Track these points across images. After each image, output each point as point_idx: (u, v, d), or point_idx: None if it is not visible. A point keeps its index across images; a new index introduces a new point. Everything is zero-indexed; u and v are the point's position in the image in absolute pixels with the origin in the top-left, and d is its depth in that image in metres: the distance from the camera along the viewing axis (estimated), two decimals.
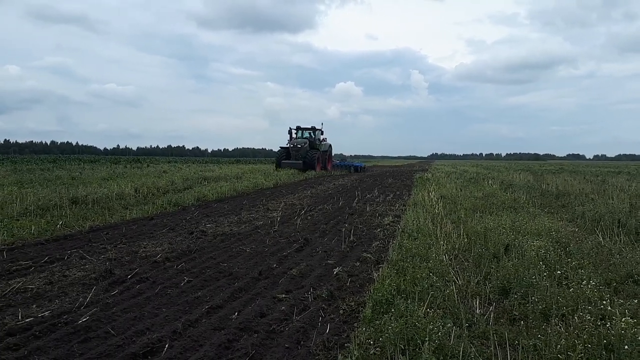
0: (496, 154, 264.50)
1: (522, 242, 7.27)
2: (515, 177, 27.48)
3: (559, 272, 5.71)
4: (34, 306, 5.01)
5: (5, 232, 8.52)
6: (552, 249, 6.84)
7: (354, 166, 41.69)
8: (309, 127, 37.60)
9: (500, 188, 18.58)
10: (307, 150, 34.75)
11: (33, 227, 9.07)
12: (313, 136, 36.96)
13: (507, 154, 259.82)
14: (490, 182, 21.97)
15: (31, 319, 4.59)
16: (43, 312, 4.79)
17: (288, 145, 35.55)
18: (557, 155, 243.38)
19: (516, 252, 6.76)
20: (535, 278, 5.42)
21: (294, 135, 36.88)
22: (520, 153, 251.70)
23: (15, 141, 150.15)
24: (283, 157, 35.27)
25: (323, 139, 37.94)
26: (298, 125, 37.56)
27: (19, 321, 4.53)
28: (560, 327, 4.18)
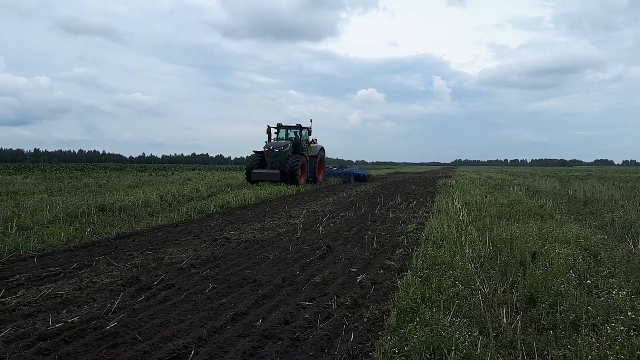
0: (521, 160, 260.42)
1: (550, 250, 7.12)
2: (541, 183, 27.00)
3: (588, 281, 5.58)
4: (64, 312, 5.12)
5: (36, 239, 8.74)
6: (581, 258, 6.69)
7: (355, 175, 33.79)
8: (294, 125, 28.37)
9: (526, 195, 18.26)
10: (288, 156, 25.70)
11: (62, 234, 9.29)
12: (299, 137, 27.76)
13: (532, 160, 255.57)
14: (515, 189, 21.60)
15: (61, 324, 4.69)
16: (73, 318, 4.89)
17: (264, 150, 26.23)
18: (584, 161, 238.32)
19: (544, 260, 6.63)
20: (564, 287, 5.30)
21: (274, 137, 27.76)
22: (546, 159, 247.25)
23: (45, 150, 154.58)
24: (256, 165, 25.95)
25: (313, 140, 29.13)
26: (279, 123, 28.29)
27: (49, 326, 4.63)
28: (591, 338, 4.07)
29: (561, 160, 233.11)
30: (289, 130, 28.39)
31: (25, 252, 7.94)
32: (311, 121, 29.49)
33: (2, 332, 4.43)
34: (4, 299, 5.46)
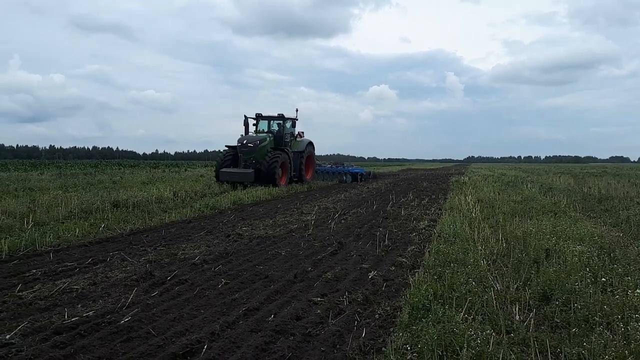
0: (535, 157, 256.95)
1: (564, 248, 7.06)
2: (555, 180, 26.74)
3: (603, 279, 5.52)
4: (79, 306, 5.19)
5: (52, 234, 8.87)
6: (595, 255, 6.62)
7: (351, 173, 28.63)
8: (276, 115, 23.74)
9: (539, 192, 18.10)
10: (265, 152, 21.30)
11: (77, 230, 9.40)
12: (281, 129, 23.54)
13: (546, 156, 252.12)
14: (529, 185, 21.42)
15: (76, 318, 4.77)
16: (87, 312, 4.96)
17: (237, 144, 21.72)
18: (599, 157, 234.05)
19: (557, 257, 6.57)
20: (578, 284, 5.26)
21: (251, 129, 23.17)
22: (560, 156, 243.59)
23: (60, 147, 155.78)
24: (227, 162, 21.54)
25: (299, 133, 25.12)
26: (259, 112, 23.73)
27: (65, 320, 4.71)
28: (606, 336, 4.02)
29: (575, 156, 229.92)
30: (272, 122, 23.97)
31: (41, 247, 8.06)
32: (297, 110, 24.99)
33: (19, 325, 4.51)
34: (20, 293, 5.56)
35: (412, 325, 4.37)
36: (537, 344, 4.00)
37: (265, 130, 23.66)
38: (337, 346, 4.28)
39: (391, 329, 4.56)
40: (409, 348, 3.95)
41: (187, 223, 11.21)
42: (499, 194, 16.67)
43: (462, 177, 31.85)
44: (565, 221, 9.86)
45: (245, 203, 15.67)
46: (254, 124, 23.59)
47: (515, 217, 10.62)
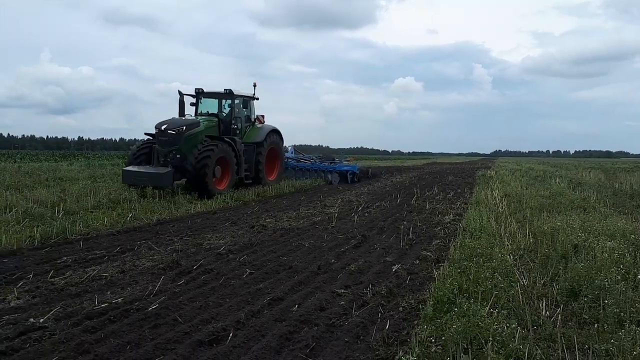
0: (564, 151, 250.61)
1: (593, 243, 6.90)
2: (584, 175, 26.10)
3: (637, 276, 5.38)
4: (108, 293, 5.33)
5: (81, 223, 9.08)
6: (627, 251, 6.45)
7: (340, 171, 21.79)
8: (223, 90, 16.40)
9: (568, 187, 17.71)
10: (197, 143, 14.15)
11: (106, 219, 9.61)
12: (232, 111, 16.56)
13: (575, 151, 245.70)
14: (557, 180, 20.97)
15: (106, 304, 4.89)
16: (116, 299, 5.09)
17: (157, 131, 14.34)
18: (631, 152, 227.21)
19: (586, 253, 6.43)
20: (608, 281, 5.14)
21: (188, 112, 16.05)
22: (590, 150, 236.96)
23: (88, 138, 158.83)
24: (140, 158, 14.51)
25: (257, 117, 17.98)
26: (199, 88, 16.59)
27: (95, 306, 4.84)
28: (636, 332, 3.93)
29: (607, 151, 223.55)
30: (223, 101, 16.88)
31: (72, 235, 8.27)
32: (254, 85, 17.91)
33: (52, 310, 4.66)
34: (53, 279, 5.74)
35: (437, 319, 4.35)
36: (564, 340, 3.95)
37: (214, 112, 16.65)
38: (361, 337, 4.30)
39: (415, 322, 4.55)
40: (433, 340, 3.94)
41: (212, 214, 11.35)
42: (526, 188, 16.36)
43: (489, 172, 31.33)
44: (595, 217, 9.64)
45: (269, 195, 15.76)
46: (192, 103, 16.57)
47: (543, 212, 10.42)
